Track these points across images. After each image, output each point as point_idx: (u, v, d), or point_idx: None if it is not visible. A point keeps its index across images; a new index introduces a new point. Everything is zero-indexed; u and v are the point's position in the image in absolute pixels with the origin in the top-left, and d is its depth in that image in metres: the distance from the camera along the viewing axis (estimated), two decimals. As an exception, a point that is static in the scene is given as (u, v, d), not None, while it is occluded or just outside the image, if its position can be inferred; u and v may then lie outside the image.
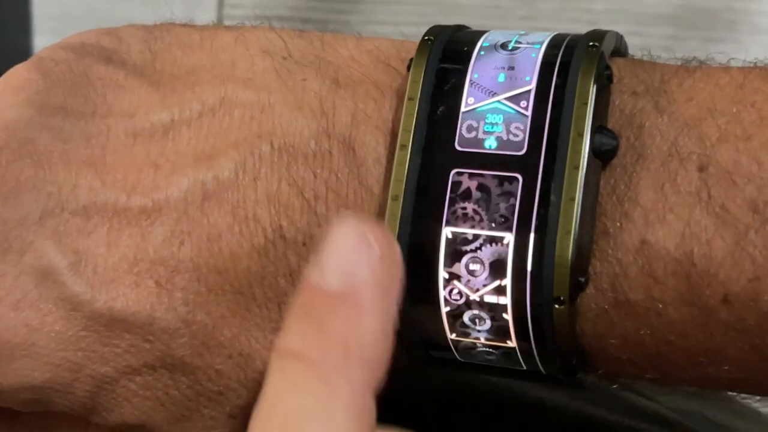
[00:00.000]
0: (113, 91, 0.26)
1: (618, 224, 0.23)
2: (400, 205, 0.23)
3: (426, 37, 0.25)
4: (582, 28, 0.59)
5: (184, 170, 0.25)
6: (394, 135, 0.25)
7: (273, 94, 0.26)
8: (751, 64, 0.25)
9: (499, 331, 0.24)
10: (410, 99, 0.24)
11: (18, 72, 0.27)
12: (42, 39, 0.64)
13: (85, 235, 0.25)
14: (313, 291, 0.22)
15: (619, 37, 0.26)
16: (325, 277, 0.22)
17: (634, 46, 0.52)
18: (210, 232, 0.25)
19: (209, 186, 0.25)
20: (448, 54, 0.25)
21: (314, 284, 0.22)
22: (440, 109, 0.24)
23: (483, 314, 0.23)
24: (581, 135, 0.23)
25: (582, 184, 0.22)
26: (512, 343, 0.24)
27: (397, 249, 0.22)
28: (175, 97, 0.26)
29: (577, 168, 0.22)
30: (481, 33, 0.25)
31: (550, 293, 0.22)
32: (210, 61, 0.27)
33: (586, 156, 0.23)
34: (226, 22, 0.61)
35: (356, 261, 0.22)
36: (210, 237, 0.25)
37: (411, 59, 0.25)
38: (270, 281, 0.25)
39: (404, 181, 0.24)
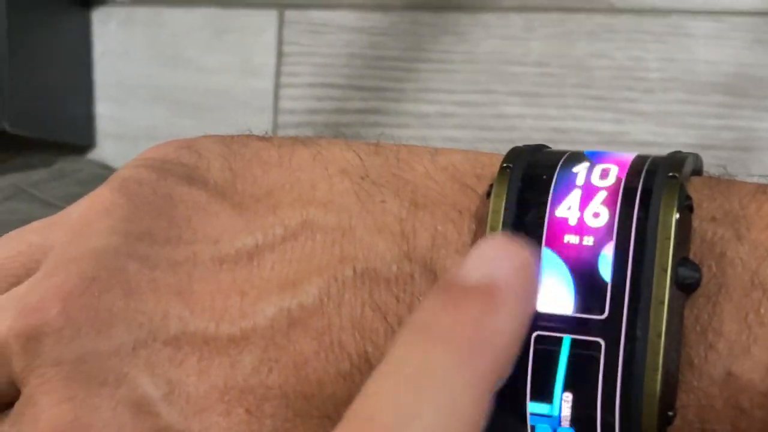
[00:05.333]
0: (197, 214, 0.27)
1: (703, 355, 0.23)
2: None
3: (505, 164, 0.25)
4: (636, 97, 0.59)
5: (269, 297, 0.26)
6: None
7: (353, 217, 0.26)
8: None
9: None
10: (492, 229, 0.25)
11: (102, 195, 0.27)
12: (103, 106, 0.66)
13: (176, 364, 0.25)
14: (449, 284, 0.21)
15: (695, 157, 0.26)
16: (463, 274, 0.21)
17: (687, 113, 0.52)
18: (296, 359, 0.25)
19: (294, 313, 0.25)
20: (527, 182, 0.25)
21: (450, 279, 0.21)
22: None
23: None
24: (665, 270, 0.23)
25: (667, 319, 0.23)
26: None
27: (537, 261, 0.22)
28: (258, 221, 0.27)
29: (662, 303, 0.23)
30: (560, 155, 0.26)
31: (639, 430, 0.22)
32: (290, 181, 0.27)
33: (670, 290, 0.23)
34: (283, 91, 0.62)
35: (498, 264, 0.21)
36: (297, 364, 0.25)
37: (490, 186, 0.25)
38: None
39: None
